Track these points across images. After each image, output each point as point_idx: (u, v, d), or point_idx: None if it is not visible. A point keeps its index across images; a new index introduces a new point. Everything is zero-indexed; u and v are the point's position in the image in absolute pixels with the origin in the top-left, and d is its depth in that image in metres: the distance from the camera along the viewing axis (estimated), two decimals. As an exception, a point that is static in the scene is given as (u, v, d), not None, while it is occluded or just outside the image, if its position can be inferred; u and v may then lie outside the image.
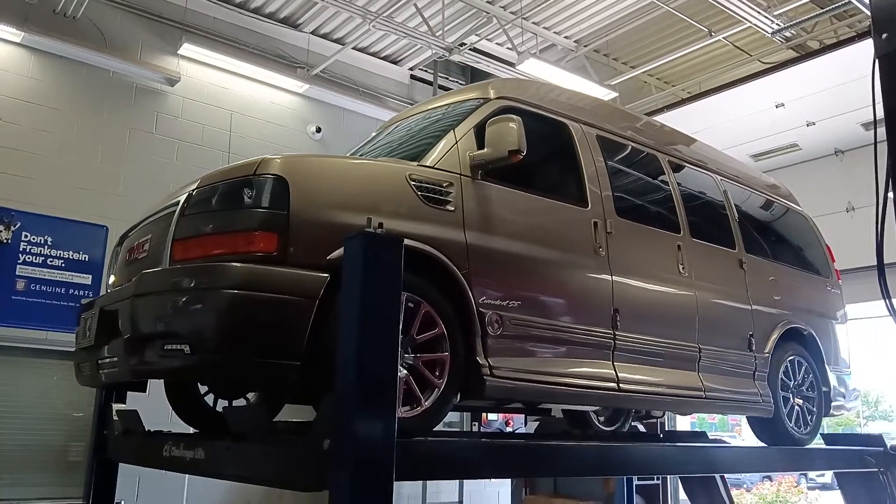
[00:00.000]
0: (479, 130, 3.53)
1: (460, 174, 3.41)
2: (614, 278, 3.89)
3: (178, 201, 3.11)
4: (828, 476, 17.74)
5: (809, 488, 14.44)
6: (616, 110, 5.06)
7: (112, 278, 3.74)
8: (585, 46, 10.23)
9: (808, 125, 9.39)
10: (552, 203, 3.82)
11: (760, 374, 4.70)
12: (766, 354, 4.79)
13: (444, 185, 3.32)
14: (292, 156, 3.12)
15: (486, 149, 3.41)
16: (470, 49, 9.55)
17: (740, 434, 15.60)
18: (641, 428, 6.77)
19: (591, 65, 10.33)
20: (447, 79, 11.20)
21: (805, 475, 14.68)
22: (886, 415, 23.58)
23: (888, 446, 4.97)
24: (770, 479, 13.83)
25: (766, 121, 9.43)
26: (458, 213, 3.30)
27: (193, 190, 3.08)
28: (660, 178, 4.67)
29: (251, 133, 9.34)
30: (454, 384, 3.08)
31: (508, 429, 9.60)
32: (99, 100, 8.43)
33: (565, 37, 10.16)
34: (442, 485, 9.48)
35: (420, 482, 8.99)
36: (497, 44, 10.06)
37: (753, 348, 4.69)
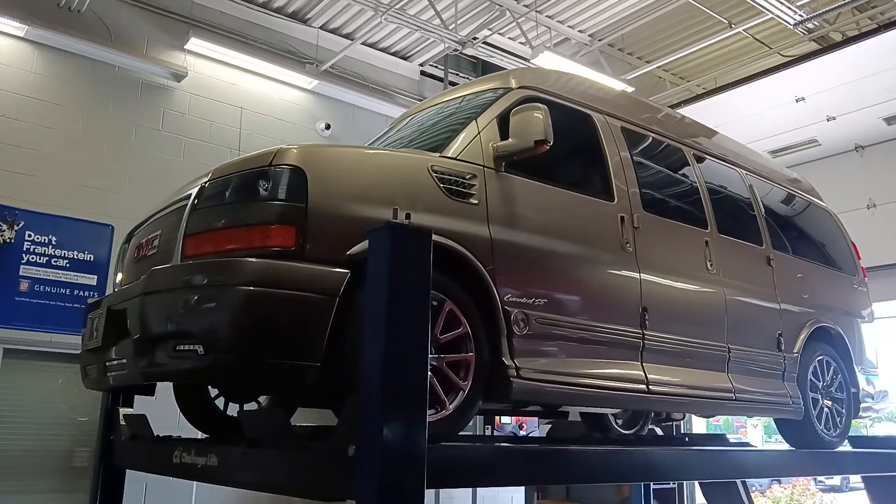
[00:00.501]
0: (502, 121, 3.40)
1: (483, 166, 3.27)
2: (642, 275, 3.75)
3: (190, 195, 2.96)
4: (836, 478, 17.54)
5: (818, 490, 14.21)
6: (638, 101, 4.93)
7: (119, 276, 3.59)
8: (600, 41, 10.08)
9: (828, 120, 9.24)
10: (578, 197, 3.68)
11: (790, 374, 4.58)
12: (796, 354, 4.67)
13: (468, 177, 3.17)
14: (310, 146, 2.96)
15: (510, 139, 3.28)
16: (482, 43, 9.40)
17: (746, 436, 15.48)
18: (659, 431, 6.63)
19: (606, 59, 10.20)
20: (458, 74, 11.04)
21: (815, 477, 14.45)
22: (893, 416, 23.30)
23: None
24: (779, 481, 13.60)
25: (785, 116, 9.30)
26: (482, 207, 3.16)
27: (206, 183, 2.94)
28: (685, 172, 4.55)
29: (259, 130, 9.18)
30: (479, 386, 2.94)
31: (522, 432, 9.43)
32: (104, 95, 8.28)
33: (579, 30, 10.02)
34: (455, 489, 9.29)
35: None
36: (510, 38, 9.93)
37: (782, 348, 4.57)
